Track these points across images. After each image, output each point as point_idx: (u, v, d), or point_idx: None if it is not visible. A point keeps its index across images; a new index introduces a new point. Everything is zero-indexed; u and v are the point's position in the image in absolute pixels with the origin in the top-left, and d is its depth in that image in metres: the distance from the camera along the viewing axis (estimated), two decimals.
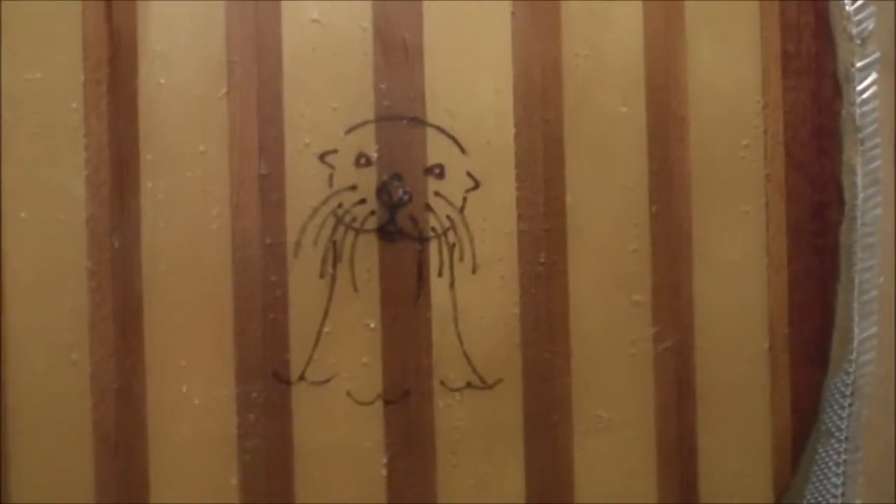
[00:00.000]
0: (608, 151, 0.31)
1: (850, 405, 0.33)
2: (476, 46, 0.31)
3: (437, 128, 0.30)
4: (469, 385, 0.30)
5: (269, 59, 0.30)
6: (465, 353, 0.30)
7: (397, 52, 0.30)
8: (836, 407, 0.33)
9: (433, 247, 0.30)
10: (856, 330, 0.33)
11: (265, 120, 0.30)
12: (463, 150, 0.30)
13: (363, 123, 0.30)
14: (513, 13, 0.31)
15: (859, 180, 0.33)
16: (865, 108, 0.33)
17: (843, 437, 0.33)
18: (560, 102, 0.31)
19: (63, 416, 0.30)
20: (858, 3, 0.33)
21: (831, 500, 0.32)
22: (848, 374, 0.33)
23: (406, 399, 0.30)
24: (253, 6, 0.30)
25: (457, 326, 0.30)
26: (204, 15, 0.30)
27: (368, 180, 0.30)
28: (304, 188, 0.30)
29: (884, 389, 0.34)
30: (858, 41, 0.33)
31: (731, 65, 0.32)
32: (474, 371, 0.30)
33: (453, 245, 0.30)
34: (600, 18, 0.31)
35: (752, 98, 0.32)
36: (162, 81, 0.30)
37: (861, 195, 0.33)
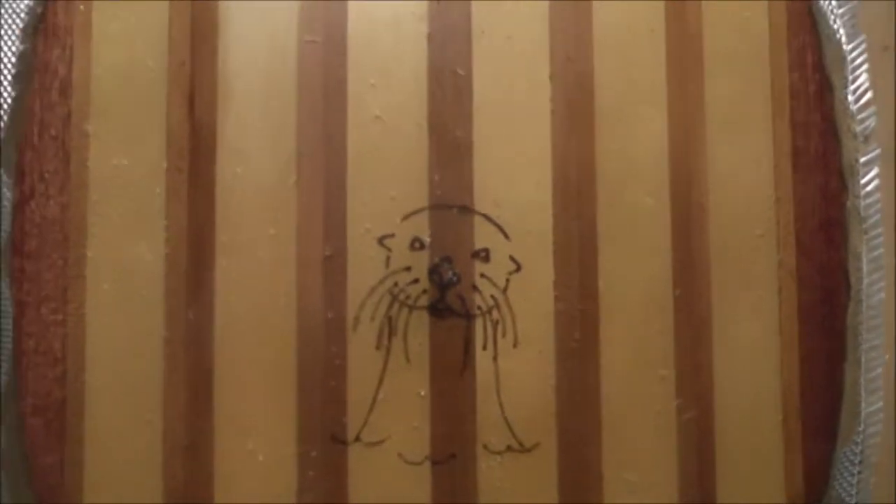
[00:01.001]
0: (636, 240, 0.38)
1: (859, 473, 0.39)
2: (520, 143, 0.38)
3: (484, 216, 0.37)
4: (509, 449, 0.37)
5: (335, 152, 0.37)
6: (506, 420, 0.37)
7: (449, 147, 0.38)
8: (846, 475, 0.39)
9: (479, 323, 0.37)
10: (863, 404, 0.39)
11: (330, 207, 0.37)
12: (506, 237, 0.37)
13: (418, 211, 0.37)
14: (552, 112, 0.39)
15: (864, 266, 0.39)
16: (869, 201, 0.39)
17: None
18: (593, 195, 0.38)
19: (137, 469, 0.36)
20: (861, 103, 0.41)
21: None
22: (856, 444, 0.39)
23: (452, 461, 0.37)
24: (322, 105, 0.37)
25: (499, 396, 0.37)
26: (277, 112, 0.37)
27: (422, 262, 0.37)
28: (364, 269, 0.37)
29: (888, 459, 0.41)
30: (862, 139, 0.40)
31: (746, 162, 0.39)
32: (514, 436, 0.37)
33: (497, 322, 0.37)
34: (629, 120, 0.38)
35: (765, 192, 0.39)
36: (238, 171, 0.37)
37: (866, 280, 0.39)
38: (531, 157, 0.36)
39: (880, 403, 0.38)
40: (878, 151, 0.38)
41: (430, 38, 0.36)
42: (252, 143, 0.35)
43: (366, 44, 0.36)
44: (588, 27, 0.36)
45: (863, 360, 0.37)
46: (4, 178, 0.35)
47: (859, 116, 0.38)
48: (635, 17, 0.37)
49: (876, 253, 0.38)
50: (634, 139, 0.36)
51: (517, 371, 0.35)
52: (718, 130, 0.37)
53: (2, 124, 0.36)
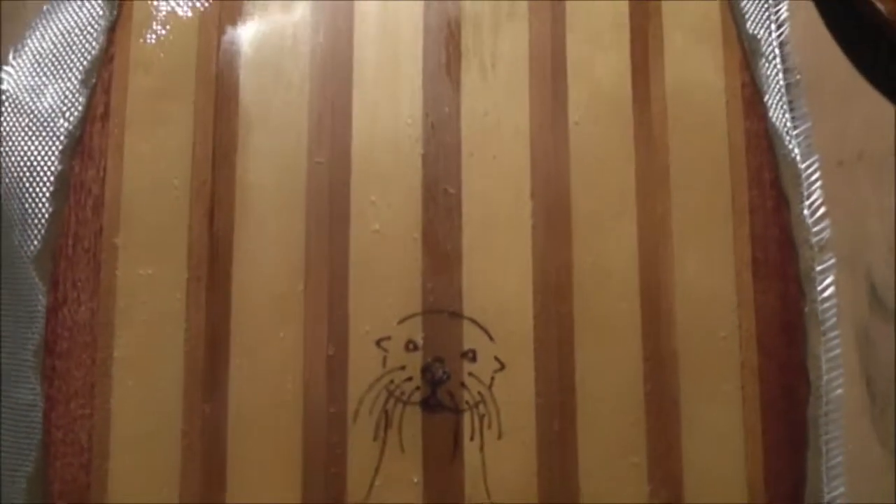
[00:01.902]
0: (610, 340, 0.46)
1: None
2: (504, 254, 0.46)
3: (472, 320, 0.46)
4: None
5: (338, 262, 0.46)
6: None
7: (440, 257, 0.46)
8: None
9: (466, 417, 0.45)
10: (825, 489, 0.44)
11: (333, 311, 0.45)
12: (491, 339, 0.46)
13: (412, 315, 0.45)
14: (533, 226, 0.48)
15: (823, 365, 0.44)
16: (826, 305, 0.45)
17: None
18: (570, 300, 0.46)
19: None
20: (816, 216, 0.49)
21: None
22: None
23: None
24: (328, 219, 0.46)
25: (485, 482, 0.44)
26: (287, 226, 0.44)
27: (415, 362, 0.45)
28: (363, 367, 0.45)
29: None
30: (818, 249, 0.47)
31: (709, 270, 0.47)
32: None
33: (483, 416, 0.45)
34: (603, 232, 0.46)
35: (728, 298, 0.47)
36: (251, 279, 0.46)
37: (825, 378, 0.45)
38: (514, 266, 0.43)
39: (842, 489, 0.43)
40: (833, 261, 0.44)
41: (425, 158, 0.45)
42: (265, 254, 0.43)
43: (367, 164, 0.45)
44: (565, 149, 0.45)
45: (824, 449, 0.43)
46: (40, 285, 0.44)
47: (815, 229, 0.44)
48: (608, 141, 0.45)
49: (833, 353, 0.44)
50: (607, 249, 0.44)
51: (502, 460, 0.42)
52: (684, 242, 0.43)
53: (39, 237, 0.45)
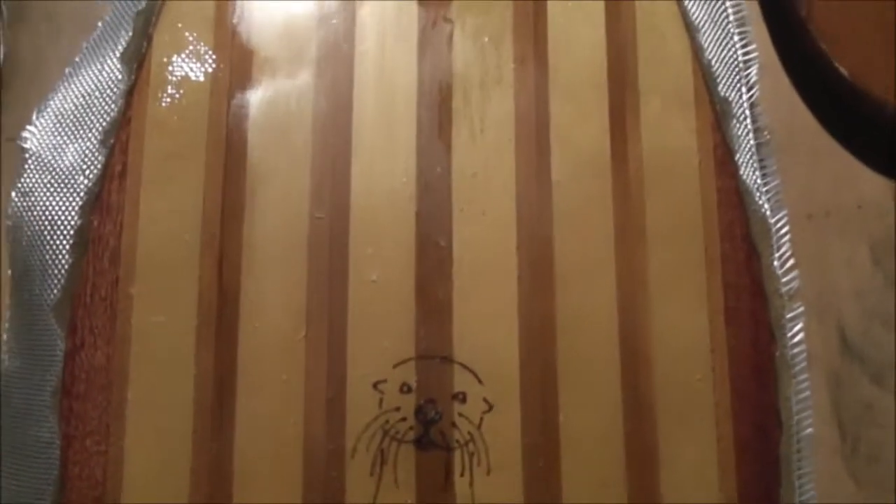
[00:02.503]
0: (591, 383, 0.51)
1: None
2: (491, 302, 0.52)
3: (462, 364, 0.52)
4: None
5: (337, 310, 0.51)
6: None
7: (433, 306, 0.52)
8: None
9: (457, 455, 0.50)
10: None
11: (332, 356, 0.51)
12: (480, 382, 0.52)
13: (406, 360, 0.51)
14: (518, 277, 0.54)
15: (794, 406, 0.47)
16: (795, 351, 0.48)
17: None
18: (554, 345, 0.52)
19: None
20: (786, 267, 0.56)
21: None
22: None
23: None
24: (328, 270, 0.52)
25: None
26: (290, 277, 0.48)
27: (409, 403, 0.51)
28: (361, 408, 0.49)
29: None
30: (787, 298, 0.51)
31: (685, 318, 0.52)
32: None
33: (472, 454, 0.50)
34: (584, 282, 0.51)
35: (702, 344, 0.51)
36: (257, 326, 0.52)
37: (796, 418, 0.48)
38: (501, 314, 0.49)
39: None
40: (802, 309, 0.48)
41: (418, 215, 0.51)
42: (269, 302, 0.49)
43: (364, 220, 0.51)
44: (549, 206, 0.51)
45: (797, 484, 0.47)
46: (59, 331, 0.51)
47: (784, 279, 0.48)
48: (589, 197, 0.52)
49: (804, 395, 0.47)
50: (589, 299, 0.49)
51: (490, 495, 0.45)
52: (660, 291, 0.48)
53: (59, 287, 0.51)
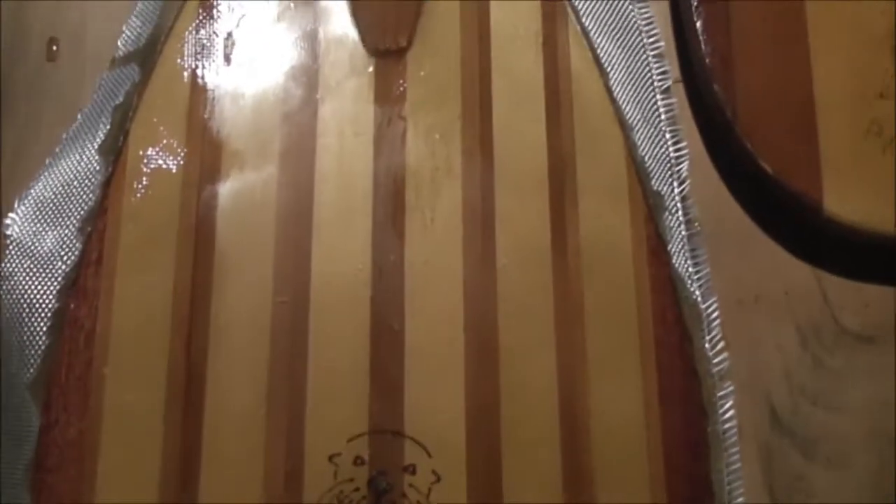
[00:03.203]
0: (533, 456, 0.53)
1: None
2: (440, 381, 0.54)
3: (412, 438, 0.58)
4: None
5: (296, 389, 0.53)
6: None
7: (386, 384, 0.58)
8: None
9: None
10: None
11: (291, 431, 0.55)
12: (429, 455, 0.56)
13: (360, 435, 0.55)
14: (465, 356, 0.61)
15: (725, 478, 0.50)
16: (727, 426, 0.51)
17: None
18: (498, 421, 0.55)
19: None
20: (716, 349, 0.63)
21: None
22: None
23: None
24: (288, 352, 0.55)
25: None
26: (254, 357, 0.54)
27: (362, 475, 0.57)
28: (317, 480, 0.52)
29: None
30: (718, 378, 0.54)
31: (621, 397, 0.52)
32: None
33: None
34: (526, 362, 0.53)
35: (638, 420, 0.53)
36: (221, 402, 0.60)
37: (727, 488, 0.50)
38: (449, 392, 0.50)
39: None
40: (732, 388, 0.53)
41: (373, 299, 0.58)
42: (233, 381, 0.53)
43: (323, 304, 0.57)
44: (494, 291, 0.56)
45: None
46: (34, 408, 0.58)
47: (715, 360, 0.52)
48: (531, 283, 0.57)
49: (735, 467, 0.52)
50: (531, 377, 0.51)
51: None
52: (598, 372, 0.50)
53: (35, 366, 0.59)
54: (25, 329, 0.54)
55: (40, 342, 0.54)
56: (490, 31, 0.57)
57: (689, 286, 0.57)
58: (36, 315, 0.54)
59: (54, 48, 0.59)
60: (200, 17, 0.57)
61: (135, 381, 0.51)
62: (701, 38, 0.60)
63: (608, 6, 0.61)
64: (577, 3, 0.61)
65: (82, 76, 0.58)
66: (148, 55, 0.56)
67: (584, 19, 0.58)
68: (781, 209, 0.58)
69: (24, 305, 0.54)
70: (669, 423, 0.54)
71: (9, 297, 0.53)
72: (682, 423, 0.54)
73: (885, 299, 0.58)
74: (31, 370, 0.54)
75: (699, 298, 0.57)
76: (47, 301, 0.53)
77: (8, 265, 0.55)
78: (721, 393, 0.55)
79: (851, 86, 0.58)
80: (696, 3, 0.60)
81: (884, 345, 0.57)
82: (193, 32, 0.57)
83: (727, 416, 0.55)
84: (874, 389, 0.56)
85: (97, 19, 0.59)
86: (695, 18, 0.59)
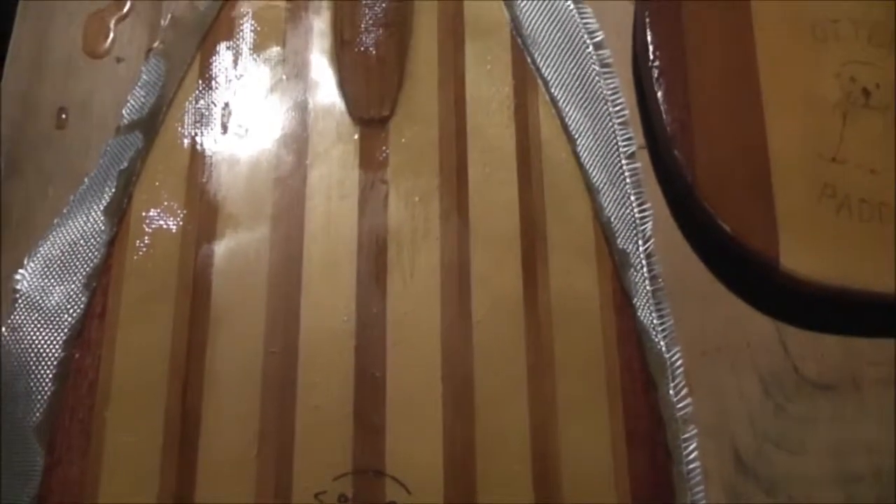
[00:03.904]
0: (506, 496, 0.59)
1: None
2: (419, 425, 0.51)
3: (392, 477, 0.60)
4: None
5: (286, 433, 0.58)
6: None
7: (368, 428, 0.61)
8: None
9: None
10: None
11: (280, 471, 0.54)
12: (409, 492, 0.57)
13: (344, 474, 0.55)
14: (443, 402, 0.67)
15: None
16: (691, 467, 0.54)
17: None
18: (474, 462, 0.53)
19: None
20: (680, 395, 0.69)
21: None
22: None
23: None
24: (278, 398, 0.59)
25: None
26: (246, 403, 0.60)
27: None
28: None
29: None
30: (682, 422, 0.55)
31: (590, 441, 0.52)
32: None
33: None
34: (500, 408, 0.56)
35: (606, 463, 0.54)
36: (214, 445, 0.66)
37: None
38: (428, 434, 0.54)
39: None
40: (695, 431, 0.56)
41: (357, 349, 0.61)
42: (226, 424, 0.55)
43: (311, 354, 0.59)
44: (469, 343, 0.57)
45: None
46: (39, 449, 0.66)
47: (679, 406, 0.56)
48: (504, 336, 0.58)
49: None
50: (504, 423, 0.54)
51: None
52: (568, 418, 0.54)
53: (41, 411, 0.66)
54: (32, 376, 0.58)
55: (46, 388, 0.56)
56: (466, 101, 0.63)
57: (653, 337, 0.62)
58: (43, 364, 0.56)
59: (63, 116, 0.65)
60: (200, 89, 0.63)
61: (134, 424, 0.55)
62: (662, 107, 0.67)
63: (576, 77, 0.68)
64: (546, 74, 0.67)
65: (89, 143, 0.64)
66: (151, 124, 0.61)
67: (553, 89, 0.64)
68: (741, 265, 0.60)
69: (32, 354, 0.58)
70: (636, 465, 0.55)
71: (17, 346, 0.59)
72: (649, 464, 0.56)
73: (841, 348, 0.64)
74: (38, 414, 0.58)
75: (663, 348, 0.62)
76: (54, 351, 0.57)
77: (17, 317, 0.61)
78: (685, 436, 0.58)
79: (805, 151, 0.61)
80: (657, 75, 0.67)
81: (842, 392, 0.59)
82: (193, 102, 0.62)
83: (691, 457, 0.59)
84: (835, 434, 0.58)
85: (103, 91, 0.65)
86: (656, 89, 0.63)
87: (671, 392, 0.61)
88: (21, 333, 0.61)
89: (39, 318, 0.62)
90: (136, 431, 0.56)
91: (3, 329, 0.61)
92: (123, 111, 0.63)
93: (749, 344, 0.62)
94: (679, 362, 0.62)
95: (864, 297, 0.58)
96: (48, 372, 0.58)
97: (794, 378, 0.60)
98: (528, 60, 0.65)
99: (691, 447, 0.60)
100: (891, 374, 0.59)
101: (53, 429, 0.56)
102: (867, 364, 0.59)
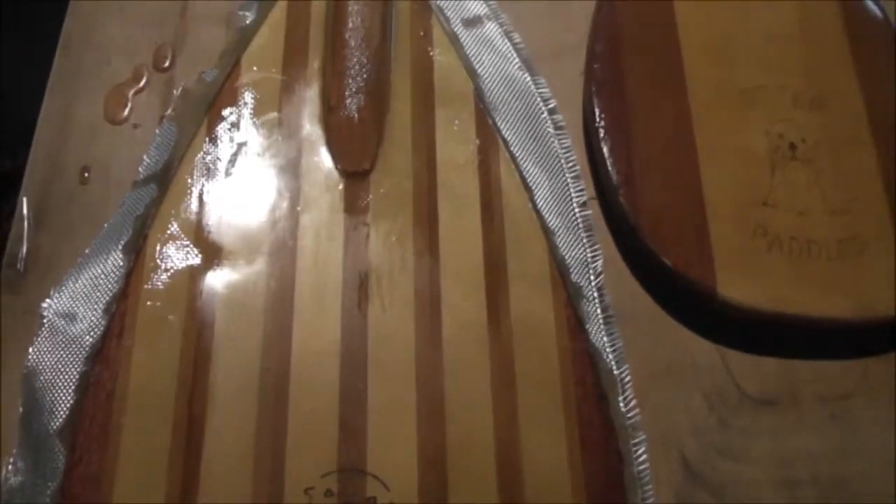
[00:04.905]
0: (474, 495, 0.58)
1: None
2: (397, 430, 0.58)
3: (373, 475, 0.65)
4: None
5: (279, 436, 0.53)
6: None
7: (352, 433, 0.62)
8: None
9: None
10: None
11: (274, 469, 0.54)
12: (388, 489, 0.63)
13: (330, 472, 0.57)
14: (417, 409, 0.68)
15: None
16: (641, 468, 0.61)
17: None
18: (445, 463, 0.59)
19: None
20: (629, 406, 0.66)
21: None
22: None
23: None
24: (273, 408, 0.64)
25: None
26: (244, 413, 0.61)
27: None
28: None
29: None
30: (631, 429, 0.62)
31: (548, 448, 0.56)
32: None
33: None
34: (466, 417, 0.60)
35: (563, 468, 0.56)
36: (217, 448, 0.69)
37: None
38: (404, 439, 0.60)
39: None
40: (644, 436, 0.62)
41: (342, 366, 0.63)
42: (227, 429, 0.58)
43: (302, 370, 0.62)
44: (441, 361, 0.61)
45: None
46: (62, 451, 0.74)
47: (628, 415, 0.63)
48: (471, 354, 0.62)
49: (650, 501, 0.61)
50: (472, 432, 0.61)
51: None
52: (528, 428, 0.62)
53: (63, 418, 0.73)
54: (57, 389, 0.63)
55: (69, 399, 0.63)
56: (436, 157, 0.72)
57: (605, 357, 0.65)
58: (66, 377, 0.64)
59: (86, 174, 0.73)
60: (207, 147, 0.72)
61: (146, 429, 0.61)
62: (608, 161, 0.71)
63: (533, 138, 0.73)
64: (507, 135, 0.72)
65: (108, 197, 0.72)
66: (164, 176, 0.69)
67: (512, 148, 0.73)
68: (683, 295, 0.66)
69: (56, 371, 0.64)
70: (590, 468, 0.61)
71: (42, 365, 0.70)
72: (602, 467, 0.61)
73: (781, 368, 0.67)
74: (60, 421, 0.61)
75: (614, 367, 0.65)
76: (76, 366, 0.65)
77: (43, 340, 0.71)
78: (635, 441, 0.63)
79: (738, 197, 0.68)
80: (603, 135, 0.72)
81: (782, 407, 0.65)
82: (202, 158, 0.71)
83: (640, 458, 0.63)
84: (777, 445, 0.64)
85: (122, 152, 0.73)
86: (603, 147, 0.71)
87: (621, 404, 0.65)
88: (46, 353, 0.65)
89: (63, 341, 0.65)
90: (148, 435, 0.62)
91: (31, 351, 0.71)
92: (140, 168, 0.71)
93: (693, 365, 0.67)
94: (628, 378, 0.65)
95: (798, 321, 0.63)
96: (70, 384, 0.64)
97: (737, 394, 0.65)
98: (490, 123, 0.74)
99: (640, 451, 0.63)
100: (827, 390, 0.65)
101: (75, 432, 0.61)
102: (804, 382, 0.66)
